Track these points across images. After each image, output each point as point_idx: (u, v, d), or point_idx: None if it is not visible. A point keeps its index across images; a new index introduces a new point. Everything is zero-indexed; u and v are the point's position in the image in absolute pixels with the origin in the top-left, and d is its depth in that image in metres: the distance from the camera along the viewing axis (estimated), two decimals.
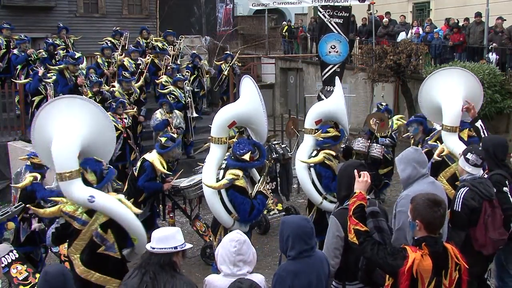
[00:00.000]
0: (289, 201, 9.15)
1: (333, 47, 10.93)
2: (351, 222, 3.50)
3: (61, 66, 10.72)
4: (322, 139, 6.30)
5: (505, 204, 4.58)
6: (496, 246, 4.43)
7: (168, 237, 3.36)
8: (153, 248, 3.33)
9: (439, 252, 3.17)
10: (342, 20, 11.11)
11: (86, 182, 4.49)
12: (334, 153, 6.23)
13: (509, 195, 4.63)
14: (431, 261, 3.12)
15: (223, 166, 5.51)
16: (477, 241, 4.38)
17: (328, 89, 10.86)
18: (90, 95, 10.22)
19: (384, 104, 9.59)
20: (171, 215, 7.43)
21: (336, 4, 11.57)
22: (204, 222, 7.62)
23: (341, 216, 3.82)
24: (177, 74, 11.66)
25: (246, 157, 5.33)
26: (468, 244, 4.38)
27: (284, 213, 8.37)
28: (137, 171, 7.04)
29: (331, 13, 11.04)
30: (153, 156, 7.02)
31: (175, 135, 9.48)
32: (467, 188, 4.44)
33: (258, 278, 3.54)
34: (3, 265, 5.59)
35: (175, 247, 3.35)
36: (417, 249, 3.17)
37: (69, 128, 4.53)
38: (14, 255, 5.80)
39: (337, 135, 6.33)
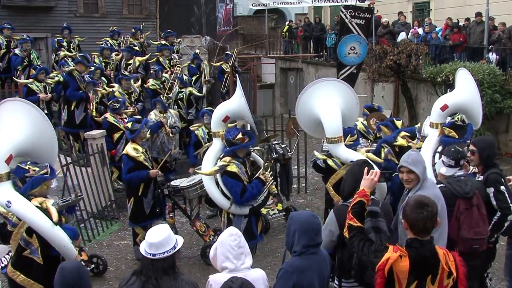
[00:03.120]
0: (289, 201, 9.15)
1: (352, 48, 10.88)
2: (347, 217, 3.53)
3: (72, 67, 10.55)
4: (353, 142, 6.21)
5: (503, 203, 4.62)
6: (468, 245, 4.37)
7: (166, 239, 3.29)
8: (155, 255, 3.23)
9: (424, 256, 3.14)
10: (363, 21, 11.04)
11: (16, 187, 4.65)
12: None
13: (507, 195, 4.65)
14: (408, 263, 3.11)
15: (221, 156, 6.15)
16: (449, 238, 4.31)
17: None
18: (94, 113, 10.18)
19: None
20: (171, 215, 7.43)
21: (358, 4, 11.52)
22: (204, 222, 7.62)
23: (340, 212, 3.87)
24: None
25: (239, 136, 5.89)
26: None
27: (284, 213, 8.38)
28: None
29: (353, 14, 10.96)
30: (126, 147, 7.18)
31: (170, 135, 9.52)
32: (442, 185, 4.50)
33: (259, 273, 3.54)
34: (3, 265, 5.59)
35: (174, 247, 3.30)
36: (398, 249, 3.17)
37: (2, 131, 4.69)
38: None
39: (358, 135, 6.35)
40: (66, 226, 4.90)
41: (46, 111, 10.14)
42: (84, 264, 6.52)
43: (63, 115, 10.34)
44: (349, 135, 6.18)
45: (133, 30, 14.56)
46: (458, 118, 6.68)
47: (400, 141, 6.19)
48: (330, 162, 6.20)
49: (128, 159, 6.99)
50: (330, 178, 6.24)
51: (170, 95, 11.13)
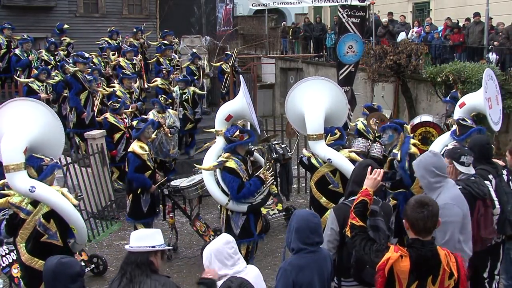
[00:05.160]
0: (289, 201, 9.15)
1: (350, 47, 10.94)
2: (350, 216, 3.54)
3: (75, 68, 10.55)
4: (333, 141, 6.25)
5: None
6: (484, 244, 4.54)
7: (146, 236, 3.37)
8: (131, 247, 3.32)
9: (425, 256, 3.13)
10: (359, 19, 11.13)
11: (30, 177, 4.92)
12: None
13: (491, 190, 4.68)
14: (409, 263, 3.11)
15: (222, 153, 6.22)
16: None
17: (345, 89, 10.71)
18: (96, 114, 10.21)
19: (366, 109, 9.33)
20: (171, 215, 7.44)
21: (353, 3, 11.59)
22: (204, 222, 7.63)
23: (339, 210, 3.91)
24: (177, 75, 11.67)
25: (237, 133, 6.02)
26: None
27: (284, 213, 8.38)
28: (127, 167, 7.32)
29: (349, 13, 11.06)
30: (132, 145, 7.28)
31: (169, 135, 9.50)
32: (460, 187, 4.42)
33: (255, 270, 3.53)
34: (4, 265, 5.61)
35: (153, 246, 3.34)
36: (399, 249, 3.17)
37: (18, 126, 5.08)
38: (15, 255, 5.82)
39: (341, 134, 6.37)
40: None
41: None
42: (84, 264, 6.54)
43: (71, 117, 10.36)
44: (329, 134, 6.24)
45: (134, 30, 14.56)
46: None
47: (413, 149, 6.34)
48: (313, 160, 6.29)
49: (135, 157, 7.10)
50: (313, 176, 6.35)
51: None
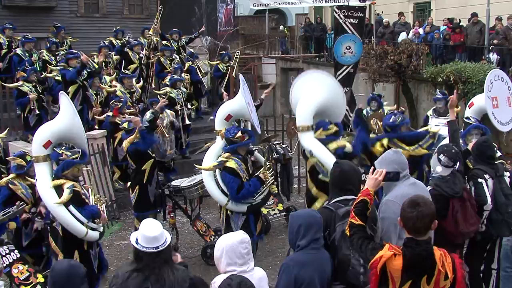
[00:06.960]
0: (290, 201, 9.15)
1: (348, 48, 10.92)
2: (350, 215, 3.54)
3: (63, 65, 10.54)
4: (325, 136, 6.24)
5: (478, 195, 4.75)
6: (466, 237, 4.63)
7: (161, 234, 3.33)
8: (157, 248, 3.25)
9: (420, 256, 3.13)
10: (357, 20, 11.10)
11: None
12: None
13: (485, 187, 4.75)
14: (401, 262, 3.12)
15: (222, 153, 6.25)
16: (449, 233, 4.46)
17: (344, 90, 10.71)
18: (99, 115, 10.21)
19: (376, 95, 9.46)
20: (171, 215, 7.44)
21: (351, 4, 11.56)
22: (205, 222, 7.64)
23: (321, 214, 3.84)
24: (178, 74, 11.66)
25: (239, 135, 6.01)
26: (439, 235, 4.30)
27: (284, 213, 8.38)
28: (131, 163, 7.38)
29: (346, 14, 11.02)
30: (123, 144, 7.43)
31: (166, 135, 9.50)
32: (430, 188, 4.48)
33: (261, 272, 3.54)
34: (4, 265, 5.61)
35: (167, 238, 3.37)
36: (392, 248, 3.19)
37: (54, 120, 5.84)
38: (16, 255, 5.82)
39: (337, 130, 6.33)
40: (88, 206, 5.54)
41: (37, 111, 10.20)
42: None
43: None
44: (321, 128, 6.21)
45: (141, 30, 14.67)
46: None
47: (378, 147, 6.15)
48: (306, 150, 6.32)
49: (133, 144, 7.17)
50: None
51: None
